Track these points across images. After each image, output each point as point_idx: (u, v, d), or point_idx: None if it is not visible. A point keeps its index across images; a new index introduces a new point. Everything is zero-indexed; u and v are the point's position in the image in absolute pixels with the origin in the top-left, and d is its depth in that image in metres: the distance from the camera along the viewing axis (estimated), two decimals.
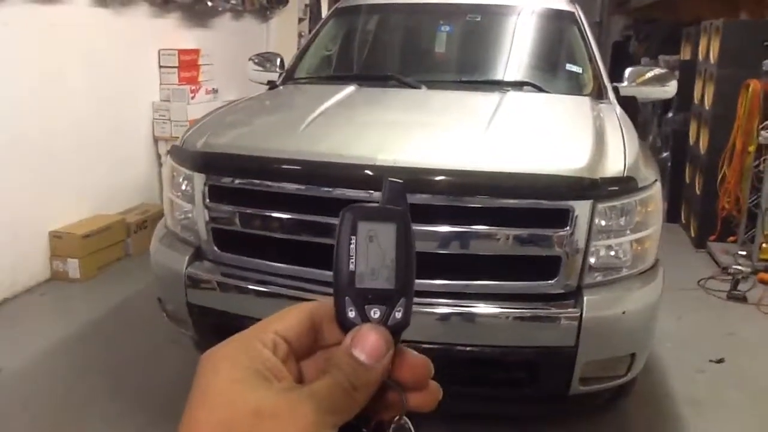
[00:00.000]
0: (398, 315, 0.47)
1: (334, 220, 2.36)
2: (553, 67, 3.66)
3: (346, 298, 0.47)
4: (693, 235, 5.26)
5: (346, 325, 0.47)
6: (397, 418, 0.47)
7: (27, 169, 3.85)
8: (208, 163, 2.48)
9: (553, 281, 2.25)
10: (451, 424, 2.54)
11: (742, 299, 4.08)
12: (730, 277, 4.23)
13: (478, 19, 3.72)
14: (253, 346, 0.44)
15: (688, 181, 5.62)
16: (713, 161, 4.99)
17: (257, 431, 0.40)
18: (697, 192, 5.28)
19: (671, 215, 5.87)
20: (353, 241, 0.47)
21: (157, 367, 3.10)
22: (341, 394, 0.43)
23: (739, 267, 4.18)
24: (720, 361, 3.31)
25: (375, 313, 0.47)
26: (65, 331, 3.43)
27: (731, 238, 4.93)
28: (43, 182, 3.98)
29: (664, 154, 6.40)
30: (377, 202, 0.49)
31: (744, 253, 4.61)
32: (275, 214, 2.38)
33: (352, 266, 0.47)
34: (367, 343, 0.45)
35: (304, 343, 0.47)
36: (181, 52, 5.17)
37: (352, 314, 0.47)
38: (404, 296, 0.47)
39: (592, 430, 2.74)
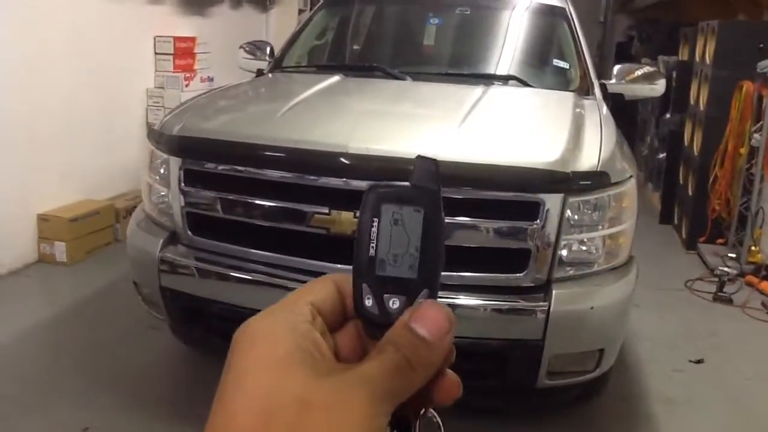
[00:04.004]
0: None
1: (305, 206, 2.34)
2: (540, 62, 3.65)
3: (364, 285, 0.43)
4: (684, 236, 5.24)
5: (361, 313, 0.43)
6: (423, 411, 0.43)
7: (14, 151, 3.85)
8: (184, 147, 2.49)
9: (522, 274, 2.25)
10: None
11: (728, 301, 4.06)
12: (717, 279, 4.22)
13: (468, 12, 3.70)
14: (294, 319, 0.40)
15: (681, 182, 5.59)
16: (706, 163, 4.97)
17: (302, 423, 0.35)
18: (690, 193, 5.26)
19: (664, 216, 5.84)
20: (375, 224, 0.43)
21: (133, 351, 3.11)
22: (398, 376, 0.38)
23: (726, 269, 4.16)
24: (699, 361, 3.30)
25: (394, 303, 0.43)
26: (47, 313, 3.45)
27: (720, 240, 4.90)
28: (31, 164, 3.98)
29: (661, 155, 6.37)
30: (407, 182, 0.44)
31: (733, 255, 4.60)
32: (248, 200, 2.38)
33: (372, 251, 0.43)
34: (429, 317, 0.40)
35: (336, 315, 0.44)
36: (177, 39, 5.17)
37: (369, 302, 0.43)
38: (427, 288, 0.43)
39: (563, 425, 2.74)
